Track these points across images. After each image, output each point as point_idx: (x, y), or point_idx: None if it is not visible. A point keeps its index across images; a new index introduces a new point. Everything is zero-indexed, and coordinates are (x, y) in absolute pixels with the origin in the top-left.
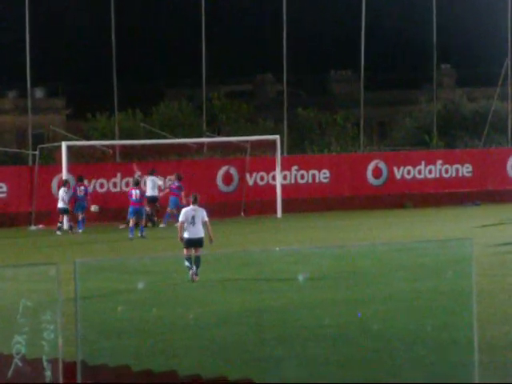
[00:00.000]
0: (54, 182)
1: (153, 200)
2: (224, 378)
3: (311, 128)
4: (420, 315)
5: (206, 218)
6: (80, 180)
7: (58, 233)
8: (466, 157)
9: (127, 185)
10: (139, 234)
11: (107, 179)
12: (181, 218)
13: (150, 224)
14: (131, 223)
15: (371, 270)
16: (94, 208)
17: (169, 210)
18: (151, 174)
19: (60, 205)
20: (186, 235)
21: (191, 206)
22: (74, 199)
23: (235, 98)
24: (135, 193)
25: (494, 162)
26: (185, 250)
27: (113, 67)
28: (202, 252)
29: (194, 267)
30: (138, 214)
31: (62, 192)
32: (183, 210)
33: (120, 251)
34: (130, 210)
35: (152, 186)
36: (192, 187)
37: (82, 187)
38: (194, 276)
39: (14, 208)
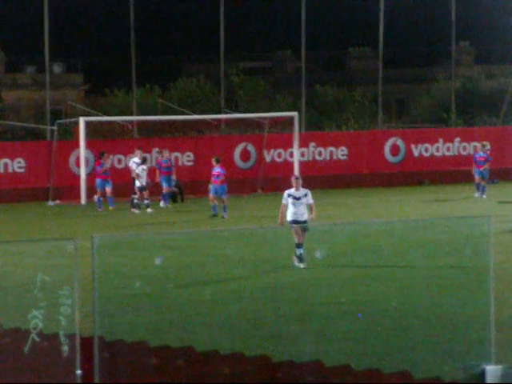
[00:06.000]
0: (72, 158)
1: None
2: (241, 353)
3: (329, 105)
4: (437, 292)
5: (283, 201)
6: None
7: (149, 210)
8: (484, 134)
9: None
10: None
11: (125, 155)
12: None
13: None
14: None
15: (389, 247)
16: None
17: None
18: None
19: (138, 183)
20: None
21: None
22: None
23: (253, 74)
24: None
25: None
26: None
27: (131, 43)
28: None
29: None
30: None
31: (140, 170)
32: None
33: (139, 227)
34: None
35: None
36: (209, 164)
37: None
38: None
39: (32, 183)
